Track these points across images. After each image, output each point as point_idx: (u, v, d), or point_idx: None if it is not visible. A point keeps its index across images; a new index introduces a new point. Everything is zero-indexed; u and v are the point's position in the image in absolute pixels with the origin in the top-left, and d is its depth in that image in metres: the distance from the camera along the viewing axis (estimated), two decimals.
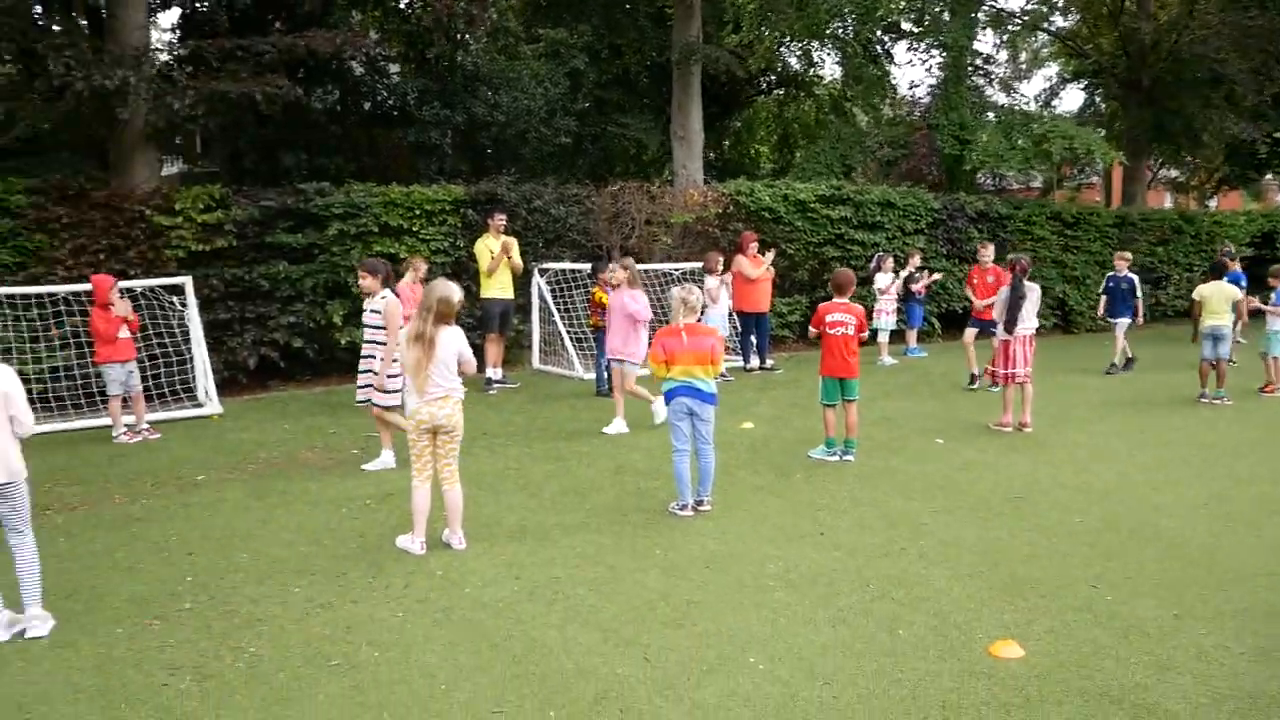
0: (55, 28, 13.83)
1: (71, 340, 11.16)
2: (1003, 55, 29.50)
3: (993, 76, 23.22)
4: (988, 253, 13.08)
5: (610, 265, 10.61)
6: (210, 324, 11.87)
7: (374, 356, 8.13)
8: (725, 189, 16.14)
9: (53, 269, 11.45)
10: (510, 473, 8.14)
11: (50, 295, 11.13)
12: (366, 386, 8.23)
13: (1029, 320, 9.75)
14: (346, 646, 4.76)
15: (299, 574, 5.78)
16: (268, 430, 10.01)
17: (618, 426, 9.69)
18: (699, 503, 6.98)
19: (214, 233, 12.19)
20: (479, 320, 12.51)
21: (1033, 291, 9.75)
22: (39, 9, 14.85)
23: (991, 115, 20.56)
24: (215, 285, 12.19)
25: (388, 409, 8.12)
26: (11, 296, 10.78)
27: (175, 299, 11.70)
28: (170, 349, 11.56)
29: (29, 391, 5.26)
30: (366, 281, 8.11)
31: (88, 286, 10.37)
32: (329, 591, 5.49)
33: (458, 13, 15.26)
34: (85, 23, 15.64)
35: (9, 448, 4.80)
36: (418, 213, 13.23)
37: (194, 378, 11.60)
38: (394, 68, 20.62)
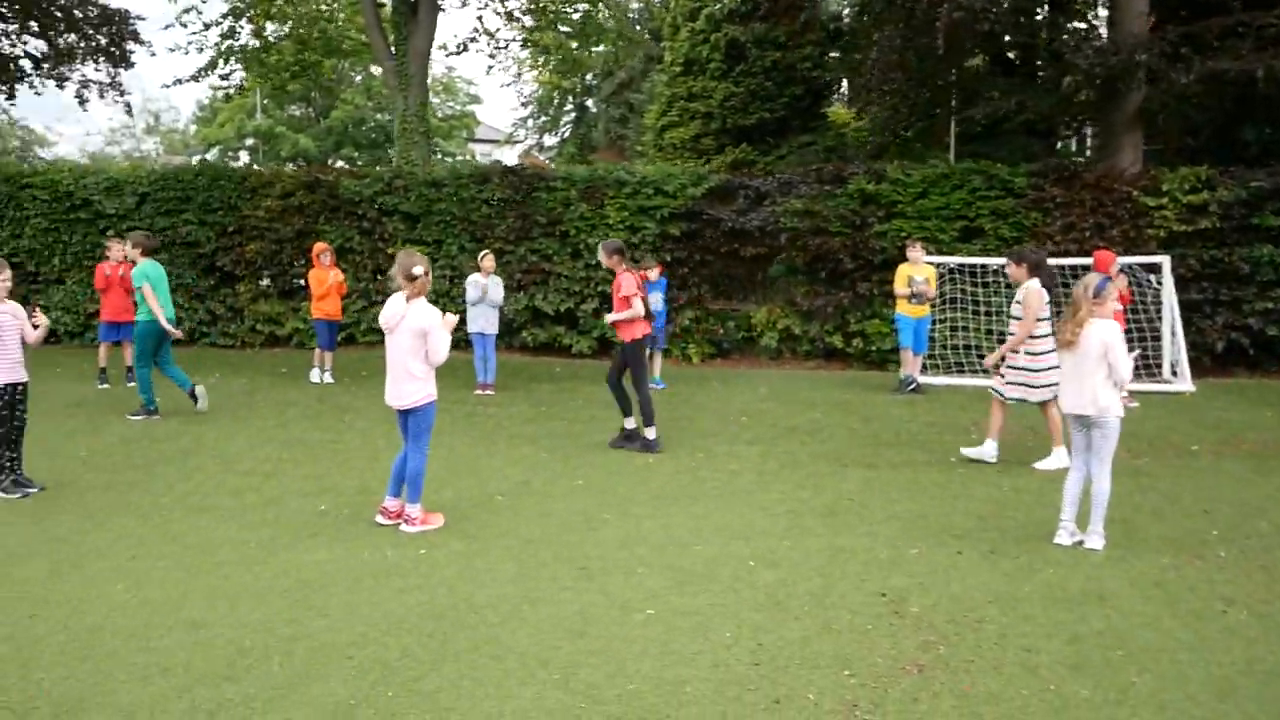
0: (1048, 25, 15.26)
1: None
2: None
3: None
4: None
5: None
6: (1181, 304, 12.08)
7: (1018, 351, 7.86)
8: None
9: (1043, 244, 12.79)
10: None
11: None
12: (1017, 384, 7.85)
13: None
14: None
15: None
16: (1249, 414, 9.95)
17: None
18: None
19: (1197, 213, 12.35)
20: None
21: None
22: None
23: None
24: (1191, 265, 12.37)
25: (1043, 404, 7.78)
26: (985, 266, 12.37)
27: (1152, 276, 12.18)
28: (1144, 324, 12.10)
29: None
30: (1013, 270, 7.94)
31: (1081, 260, 11.46)
32: None
33: None
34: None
35: (1100, 389, 5.74)
36: None
37: (1161, 353, 11.99)
38: None
